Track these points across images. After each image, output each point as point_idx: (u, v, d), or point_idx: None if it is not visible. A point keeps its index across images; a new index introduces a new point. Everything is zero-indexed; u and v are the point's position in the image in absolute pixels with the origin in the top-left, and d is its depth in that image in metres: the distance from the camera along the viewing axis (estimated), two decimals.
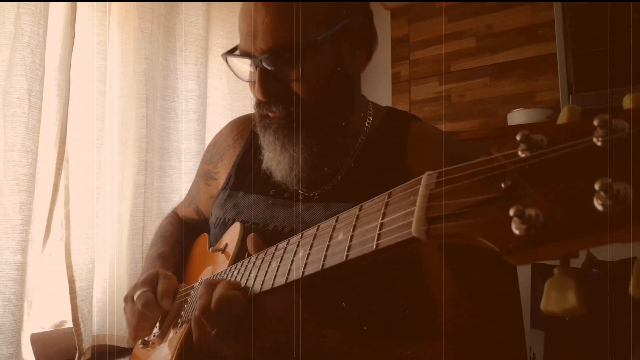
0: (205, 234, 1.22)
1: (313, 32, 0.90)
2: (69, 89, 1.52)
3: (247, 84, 0.99)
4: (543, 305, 0.38)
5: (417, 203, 0.46)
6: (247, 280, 0.77)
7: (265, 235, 0.99)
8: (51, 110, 1.50)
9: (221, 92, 2.14)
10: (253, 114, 1.19)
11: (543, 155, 0.38)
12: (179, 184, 1.90)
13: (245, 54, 0.93)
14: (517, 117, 1.87)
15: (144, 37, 1.77)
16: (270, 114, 0.95)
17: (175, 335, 0.98)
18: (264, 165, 1.03)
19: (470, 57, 2.29)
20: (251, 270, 0.78)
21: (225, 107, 2.13)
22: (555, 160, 0.37)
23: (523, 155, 0.39)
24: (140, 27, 1.77)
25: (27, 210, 1.38)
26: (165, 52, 1.90)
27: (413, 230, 0.45)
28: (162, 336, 1.04)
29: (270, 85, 0.92)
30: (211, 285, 0.75)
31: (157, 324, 1.07)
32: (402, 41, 2.48)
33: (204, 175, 1.26)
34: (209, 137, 1.97)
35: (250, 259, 0.81)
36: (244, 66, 0.97)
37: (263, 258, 0.77)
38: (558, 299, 0.37)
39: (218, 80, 2.13)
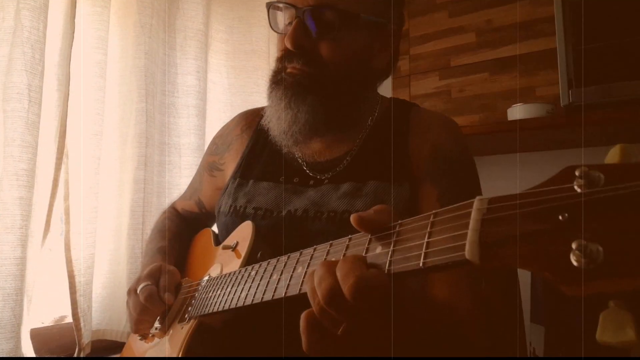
0: (209, 229, 1.22)
1: (358, 7, 0.98)
2: (69, 84, 1.52)
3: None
4: (598, 336, 0.39)
5: (471, 226, 0.47)
6: (270, 283, 0.74)
7: (279, 221, 1.01)
8: (51, 105, 1.50)
9: (221, 87, 2.13)
10: (263, 108, 1.21)
11: (601, 193, 0.39)
12: (179, 179, 1.90)
13: (290, 5, 0.99)
14: (517, 112, 1.86)
15: (144, 32, 1.77)
16: (289, 68, 1.00)
17: (181, 330, 0.97)
18: (264, 121, 1.08)
19: (470, 52, 2.28)
20: (273, 272, 0.76)
21: (225, 102, 2.13)
22: (614, 198, 0.39)
23: (579, 191, 0.41)
24: (140, 22, 1.77)
25: (27, 205, 1.38)
26: (165, 47, 1.90)
27: (467, 253, 0.46)
28: (164, 330, 1.04)
29: (301, 37, 0.97)
30: (331, 265, 0.59)
31: (159, 318, 1.07)
32: (402, 36, 2.47)
33: (209, 166, 1.27)
34: (209, 132, 1.98)
35: (269, 261, 0.79)
36: (280, 19, 1.04)
37: (286, 262, 0.74)
38: (614, 331, 0.39)
39: (218, 75, 2.13)
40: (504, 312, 0.88)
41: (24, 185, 1.37)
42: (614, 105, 1.55)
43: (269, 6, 1.04)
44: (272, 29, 1.05)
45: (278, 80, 1.02)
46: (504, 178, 2.05)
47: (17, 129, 1.37)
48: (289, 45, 0.97)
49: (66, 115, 1.52)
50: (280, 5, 1.02)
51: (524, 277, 1.70)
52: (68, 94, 1.52)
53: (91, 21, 1.65)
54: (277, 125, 1.03)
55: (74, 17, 1.54)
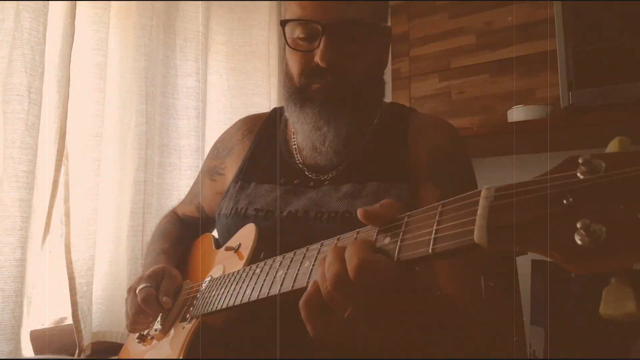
0: (209, 234, 1.23)
1: (376, 17, 1.01)
2: (69, 86, 1.52)
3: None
4: (602, 309, 0.42)
5: (479, 213, 0.49)
6: (275, 279, 0.74)
7: (280, 221, 1.02)
8: (51, 107, 1.50)
9: (220, 88, 2.14)
10: (264, 114, 1.21)
11: (602, 178, 0.42)
12: (179, 181, 1.90)
13: (310, 21, 0.98)
14: (517, 113, 1.86)
15: (144, 33, 1.77)
16: (317, 84, 1.00)
17: (183, 330, 0.98)
18: (298, 141, 1.10)
19: (470, 53, 2.28)
20: (279, 269, 0.76)
21: (224, 104, 2.13)
22: (614, 183, 0.41)
23: (582, 177, 0.43)
24: (140, 23, 1.77)
25: (27, 207, 1.38)
26: (165, 49, 1.90)
27: (475, 237, 0.47)
28: (165, 332, 1.04)
29: (332, 53, 0.97)
30: (341, 250, 0.60)
31: (159, 320, 1.07)
32: (402, 38, 2.47)
33: (209, 171, 1.28)
34: (209, 134, 1.98)
35: (275, 258, 0.80)
36: (294, 35, 1.02)
37: (292, 258, 0.75)
38: (616, 304, 0.41)
39: (217, 77, 2.13)
40: (504, 309, 0.89)
41: (23, 186, 1.37)
42: (614, 107, 1.55)
43: (285, 23, 1.02)
44: (290, 47, 1.02)
45: (308, 97, 1.02)
46: (503, 179, 2.04)
47: (17, 130, 1.37)
48: (322, 64, 0.96)
49: (66, 117, 1.52)
50: (295, 20, 1.01)
51: (524, 279, 1.70)
52: (68, 96, 1.52)
53: (91, 23, 1.65)
54: (317, 140, 1.04)
55: (74, 19, 1.54)
